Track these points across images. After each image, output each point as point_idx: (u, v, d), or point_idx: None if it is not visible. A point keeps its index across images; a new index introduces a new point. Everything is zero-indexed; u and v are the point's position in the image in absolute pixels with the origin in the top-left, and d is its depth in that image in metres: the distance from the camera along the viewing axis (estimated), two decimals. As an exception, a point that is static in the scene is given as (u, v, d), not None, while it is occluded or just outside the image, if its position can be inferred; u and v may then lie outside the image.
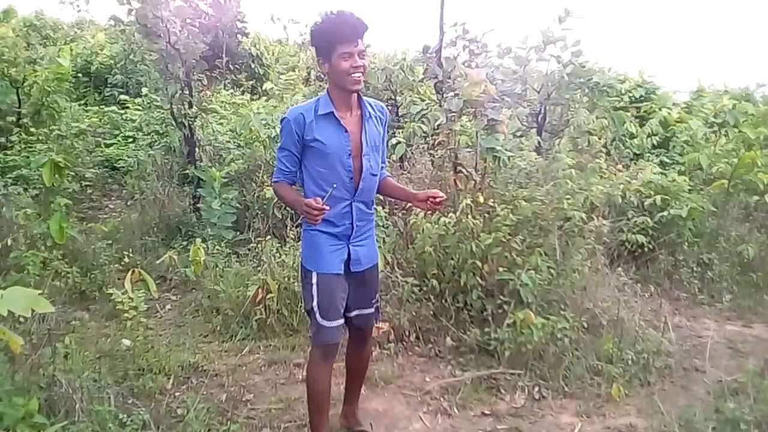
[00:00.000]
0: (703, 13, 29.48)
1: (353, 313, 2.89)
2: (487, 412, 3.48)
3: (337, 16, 2.57)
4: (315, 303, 2.70)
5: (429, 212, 3.03)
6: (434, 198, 2.77)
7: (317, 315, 2.70)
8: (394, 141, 5.64)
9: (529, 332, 3.80)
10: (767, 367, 4.14)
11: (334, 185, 2.61)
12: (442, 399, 3.60)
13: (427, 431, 3.27)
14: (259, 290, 4.42)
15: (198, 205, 6.30)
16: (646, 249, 5.76)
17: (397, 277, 4.53)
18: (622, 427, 3.36)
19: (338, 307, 2.72)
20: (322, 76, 5.95)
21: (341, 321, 2.78)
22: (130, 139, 8.78)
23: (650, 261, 5.81)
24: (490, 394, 3.67)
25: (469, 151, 5.23)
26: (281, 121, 2.72)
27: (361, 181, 2.73)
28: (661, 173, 6.80)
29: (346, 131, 2.68)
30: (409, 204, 3.58)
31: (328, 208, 2.52)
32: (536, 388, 3.70)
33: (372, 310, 2.98)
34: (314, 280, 2.69)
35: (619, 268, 5.16)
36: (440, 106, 5.64)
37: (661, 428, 3.32)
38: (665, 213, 5.91)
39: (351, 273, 2.77)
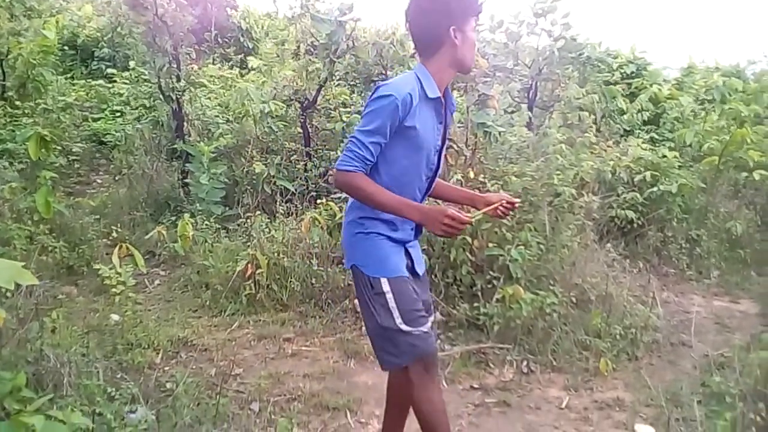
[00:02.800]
0: (695, -11, 29.32)
1: None
2: (476, 385, 3.50)
3: None
4: (396, 313, 2.19)
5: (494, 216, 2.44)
6: (510, 204, 2.37)
7: (402, 325, 2.19)
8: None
9: (518, 307, 3.81)
10: (753, 341, 4.17)
11: (494, 205, 2.27)
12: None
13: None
14: (249, 265, 4.40)
15: (186, 180, 6.25)
16: (635, 225, 5.79)
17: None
18: (610, 400, 3.38)
19: (421, 309, 2.26)
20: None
21: (429, 323, 2.32)
22: (118, 114, 8.66)
23: (639, 237, 5.84)
24: (479, 368, 3.69)
25: (460, 127, 5.20)
26: (380, 97, 2.10)
27: (434, 181, 2.38)
28: (651, 149, 6.80)
29: (441, 122, 2.29)
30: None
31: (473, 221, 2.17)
32: (525, 362, 3.72)
33: (434, 317, 2.54)
34: (387, 287, 2.20)
35: (609, 244, 5.18)
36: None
37: (648, 402, 3.35)
38: (655, 189, 5.93)
39: (416, 277, 2.36)
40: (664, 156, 6.42)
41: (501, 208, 2.37)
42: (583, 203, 4.92)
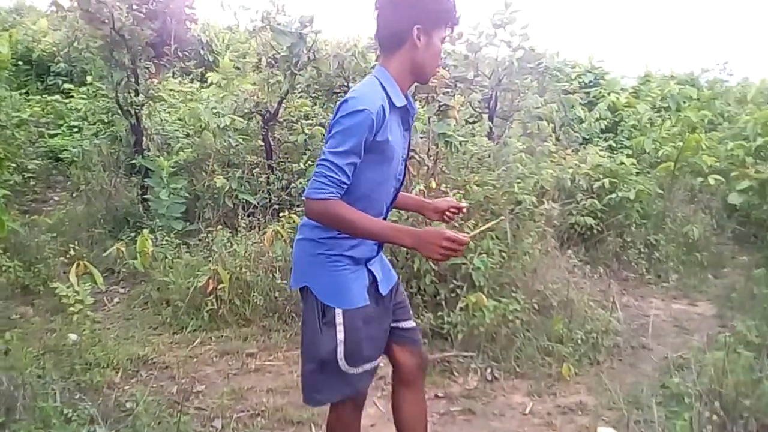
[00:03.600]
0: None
1: (395, 324, 2.30)
2: (440, 394, 3.50)
3: None
4: (341, 349, 2.06)
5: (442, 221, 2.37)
6: (456, 209, 2.34)
7: (342, 363, 2.07)
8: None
9: (481, 315, 3.83)
10: (710, 342, 4.27)
11: (502, 217, 2.18)
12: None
13: (382, 416, 3.26)
14: (210, 281, 4.34)
15: (146, 196, 6.15)
16: (594, 231, 5.88)
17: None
18: (572, 405, 3.42)
19: (370, 350, 2.14)
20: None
21: (375, 362, 2.18)
22: (75, 129, 8.48)
23: (599, 243, 5.94)
24: (444, 377, 3.69)
25: (422, 137, 5.23)
26: (353, 113, 1.90)
27: (399, 192, 2.26)
28: (610, 157, 6.95)
29: (407, 129, 2.18)
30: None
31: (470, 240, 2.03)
32: (489, 370, 3.74)
33: (413, 324, 2.40)
34: (339, 319, 2.07)
35: (569, 250, 5.26)
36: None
37: (610, 405, 3.40)
38: (613, 195, 6.04)
39: (379, 297, 2.20)
40: (622, 163, 6.56)
41: (448, 213, 2.34)
42: (543, 211, 4.99)
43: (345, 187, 1.95)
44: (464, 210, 2.38)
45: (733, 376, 3.16)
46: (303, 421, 3.15)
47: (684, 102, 9.02)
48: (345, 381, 2.11)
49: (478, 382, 3.65)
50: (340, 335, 2.07)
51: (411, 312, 2.43)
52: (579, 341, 3.99)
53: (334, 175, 1.91)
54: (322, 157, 1.94)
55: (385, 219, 2.20)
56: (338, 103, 2.00)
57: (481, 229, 2.33)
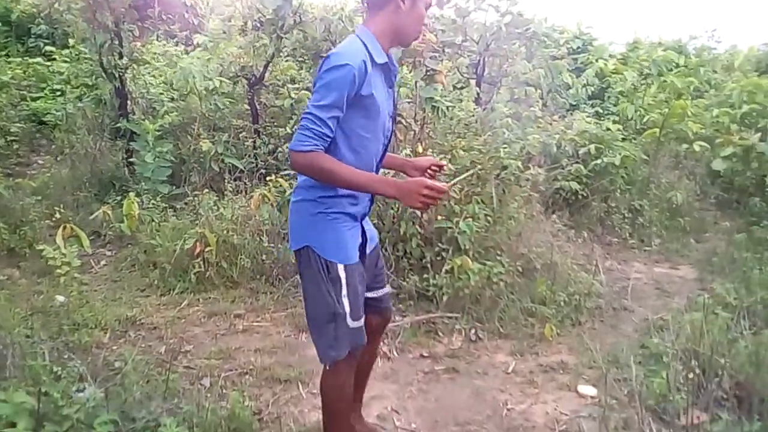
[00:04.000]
0: (639, -34, 29.82)
1: (370, 294, 2.37)
2: (425, 354, 3.57)
3: None
4: (346, 304, 2.14)
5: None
6: (437, 165, 2.41)
7: (349, 319, 2.15)
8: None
9: (466, 277, 3.89)
10: (690, 304, 4.37)
11: (479, 167, 2.20)
12: (382, 344, 3.65)
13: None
14: (197, 243, 4.36)
15: (131, 159, 6.13)
16: (579, 196, 5.94)
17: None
18: (554, 364, 3.50)
19: (362, 301, 2.24)
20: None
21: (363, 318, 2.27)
22: (58, 92, 8.36)
23: (584, 207, 6.00)
24: (429, 338, 3.76)
25: (409, 102, 5.22)
26: (335, 67, 1.96)
27: (388, 149, 2.32)
28: (596, 123, 6.97)
29: (391, 87, 2.23)
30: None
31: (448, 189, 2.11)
32: (473, 330, 3.81)
33: (387, 289, 2.53)
34: (343, 274, 2.13)
35: (554, 215, 5.32)
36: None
37: (591, 364, 3.48)
38: (599, 161, 6.09)
39: (363, 258, 2.28)
40: (608, 129, 6.58)
41: (429, 171, 2.39)
42: (529, 176, 5.03)
43: (328, 139, 2.00)
44: (445, 167, 2.44)
45: (710, 336, 3.25)
46: (290, 379, 3.21)
47: (669, 68, 9.02)
48: (352, 334, 2.17)
49: (463, 343, 3.72)
50: (344, 291, 2.14)
51: (385, 279, 2.52)
52: (562, 303, 4.06)
53: (317, 128, 1.95)
54: (306, 111, 1.98)
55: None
56: (321, 60, 2.03)
57: (459, 178, 2.41)
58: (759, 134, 6.79)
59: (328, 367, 2.24)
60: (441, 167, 2.43)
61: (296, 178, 2.30)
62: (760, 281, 4.43)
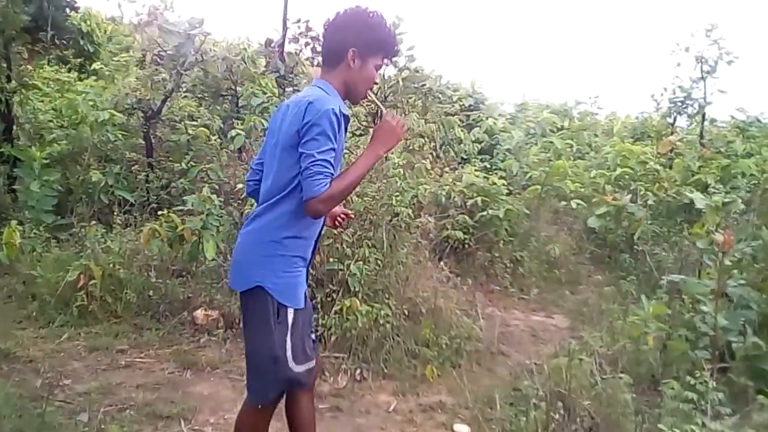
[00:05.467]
0: (532, 31, 32.08)
1: None
2: (310, 393, 3.62)
3: (391, 27, 2.37)
4: (289, 346, 2.17)
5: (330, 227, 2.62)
6: (344, 216, 2.58)
7: (291, 362, 2.18)
8: (233, 132, 5.65)
9: (354, 318, 4.01)
10: (560, 350, 4.67)
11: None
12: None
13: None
14: (81, 276, 4.23)
15: (14, 187, 5.85)
16: (466, 245, 6.24)
17: (229, 265, 4.55)
18: (433, 404, 3.65)
19: (307, 347, 2.27)
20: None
21: (313, 362, 2.31)
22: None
23: (469, 256, 6.30)
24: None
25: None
26: (325, 113, 2.09)
27: None
28: (485, 177, 7.38)
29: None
30: None
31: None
32: (358, 371, 3.91)
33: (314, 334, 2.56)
34: (290, 319, 2.18)
35: (441, 262, 5.56)
36: (281, 100, 5.71)
37: (467, 404, 3.66)
38: (484, 213, 6.44)
39: (307, 300, 2.33)
40: (494, 183, 6.99)
41: (338, 219, 2.56)
42: (419, 223, 5.26)
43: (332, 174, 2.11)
44: (351, 216, 2.62)
45: (575, 380, 3.53)
46: (172, 416, 3.17)
47: (552, 130, 9.71)
48: (292, 378, 2.20)
49: (348, 382, 3.80)
50: (289, 334, 2.17)
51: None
52: (443, 346, 4.25)
53: (327, 170, 2.06)
54: (315, 158, 2.06)
55: (323, 227, 2.39)
56: (301, 107, 2.14)
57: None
58: (630, 195, 7.43)
59: (259, 407, 2.26)
60: (348, 216, 2.63)
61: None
62: (623, 330, 4.82)
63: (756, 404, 3.10)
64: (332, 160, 2.09)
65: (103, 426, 2.96)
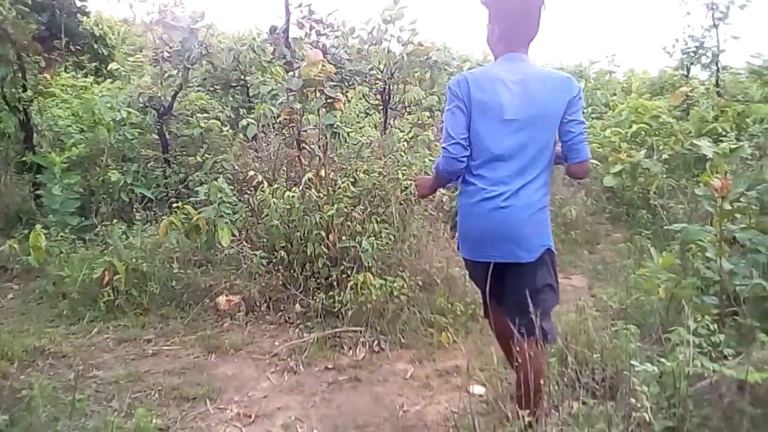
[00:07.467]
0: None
1: None
2: (330, 366, 3.76)
3: None
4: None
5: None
6: None
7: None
8: (244, 122, 5.79)
9: (368, 292, 4.12)
10: (578, 310, 4.73)
11: None
12: (289, 359, 3.84)
13: (274, 388, 3.50)
14: (106, 272, 4.42)
15: (38, 192, 6.08)
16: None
17: (247, 251, 4.72)
18: (449, 368, 3.77)
19: None
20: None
21: None
22: (-40, 127, 8.16)
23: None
24: (334, 351, 3.96)
25: (314, 129, 5.47)
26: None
27: None
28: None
29: None
30: None
31: None
32: (376, 342, 4.04)
33: None
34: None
35: (453, 230, 5.62)
36: (286, 86, 5.81)
37: (482, 366, 3.75)
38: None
39: None
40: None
41: None
42: (431, 196, 5.32)
43: None
44: None
45: (586, 335, 3.60)
46: (198, 396, 3.34)
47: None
48: None
49: (366, 354, 3.94)
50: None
51: None
52: (458, 312, 4.34)
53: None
54: (585, 124, 2.60)
55: None
56: (561, 82, 2.57)
57: None
58: (645, 151, 7.38)
59: (549, 339, 2.72)
60: None
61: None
62: (636, 284, 4.86)
63: (758, 343, 3.14)
64: None
65: (131, 410, 3.13)
